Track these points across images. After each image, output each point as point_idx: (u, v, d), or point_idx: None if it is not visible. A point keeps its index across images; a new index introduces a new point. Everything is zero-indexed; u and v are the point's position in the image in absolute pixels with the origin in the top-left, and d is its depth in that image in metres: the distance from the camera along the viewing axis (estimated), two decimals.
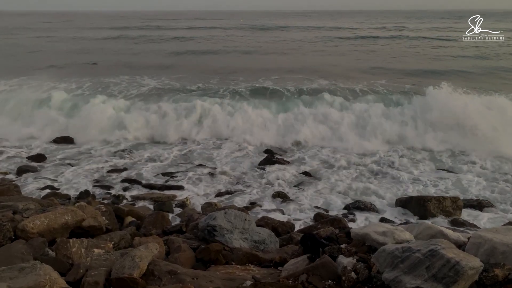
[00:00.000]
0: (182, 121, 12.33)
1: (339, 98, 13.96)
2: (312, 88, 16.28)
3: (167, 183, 8.58)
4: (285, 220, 6.55)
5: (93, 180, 8.66)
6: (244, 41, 39.07)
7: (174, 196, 7.78)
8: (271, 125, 12.16)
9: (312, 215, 7.02)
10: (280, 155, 10.41)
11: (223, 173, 9.19)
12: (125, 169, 9.37)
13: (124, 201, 7.48)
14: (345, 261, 2.94)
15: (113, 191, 8.07)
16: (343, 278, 2.76)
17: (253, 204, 7.52)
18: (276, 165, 9.55)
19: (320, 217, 6.66)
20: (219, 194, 8.02)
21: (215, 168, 9.53)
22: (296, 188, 8.39)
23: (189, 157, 10.41)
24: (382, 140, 11.16)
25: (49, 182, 8.38)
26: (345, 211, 7.24)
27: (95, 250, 3.54)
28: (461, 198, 7.44)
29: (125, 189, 8.21)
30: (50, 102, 13.32)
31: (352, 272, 2.78)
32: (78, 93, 15.68)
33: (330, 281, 2.82)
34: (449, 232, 3.39)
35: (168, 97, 14.40)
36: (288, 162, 9.86)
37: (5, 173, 8.79)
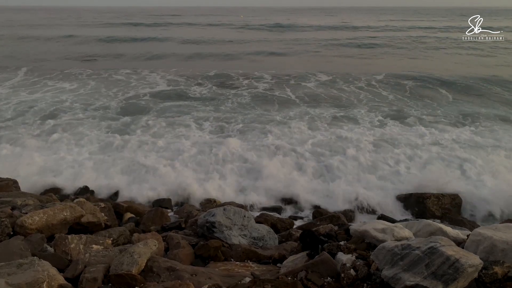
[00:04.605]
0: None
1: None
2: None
3: None
4: (284, 217, 6.54)
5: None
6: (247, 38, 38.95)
7: None
8: None
9: (311, 212, 7.01)
10: None
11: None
12: None
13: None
14: (344, 258, 2.94)
15: None
16: (342, 275, 2.76)
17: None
18: None
19: (319, 214, 6.66)
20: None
21: None
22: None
23: None
24: None
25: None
26: (345, 208, 7.22)
27: (94, 246, 3.54)
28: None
29: None
30: None
31: (351, 269, 2.77)
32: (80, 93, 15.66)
33: (329, 278, 2.81)
34: (449, 229, 3.39)
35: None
36: None
37: None
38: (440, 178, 7.70)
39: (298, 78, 19.28)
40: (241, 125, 11.70)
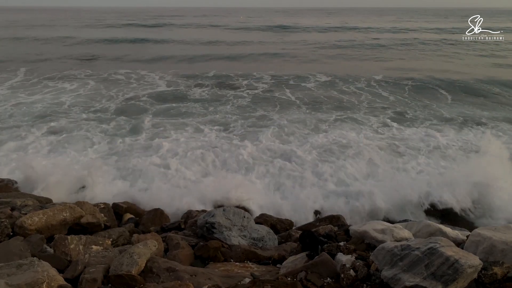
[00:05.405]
0: None
1: None
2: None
3: None
4: (284, 217, 6.53)
5: None
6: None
7: None
8: None
9: (311, 212, 7.00)
10: None
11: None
12: None
13: None
14: (344, 258, 2.94)
15: None
16: (342, 275, 2.76)
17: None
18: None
19: (319, 214, 6.65)
20: None
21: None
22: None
23: None
24: None
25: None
26: (344, 208, 7.21)
27: (94, 247, 3.54)
28: None
29: None
30: None
31: (351, 270, 2.77)
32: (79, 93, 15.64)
33: (328, 279, 2.81)
34: (448, 230, 3.39)
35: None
36: None
37: None
38: (444, 182, 7.67)
39: (297, 79, 19.27)
40: (241, 128, 11.67)
